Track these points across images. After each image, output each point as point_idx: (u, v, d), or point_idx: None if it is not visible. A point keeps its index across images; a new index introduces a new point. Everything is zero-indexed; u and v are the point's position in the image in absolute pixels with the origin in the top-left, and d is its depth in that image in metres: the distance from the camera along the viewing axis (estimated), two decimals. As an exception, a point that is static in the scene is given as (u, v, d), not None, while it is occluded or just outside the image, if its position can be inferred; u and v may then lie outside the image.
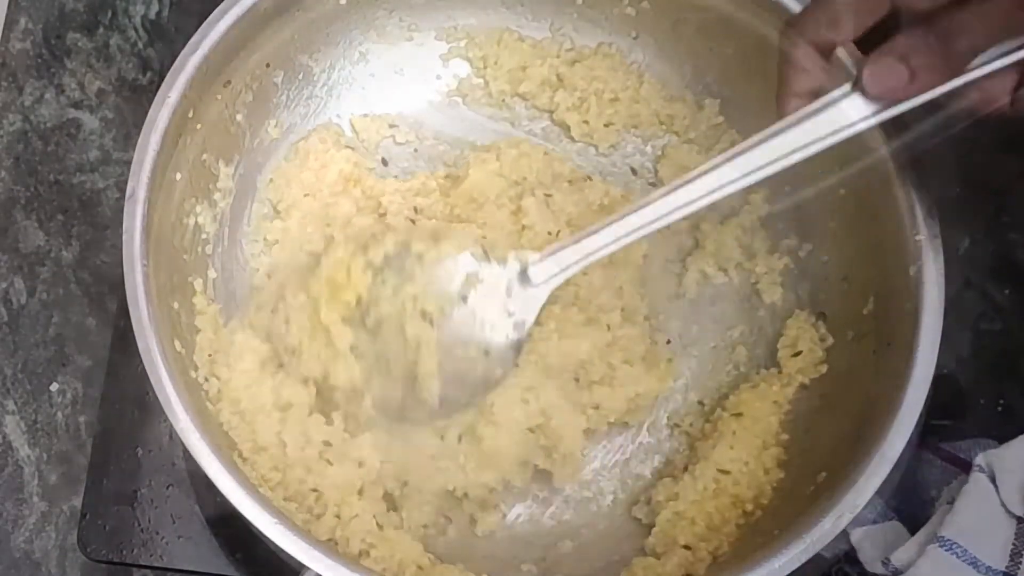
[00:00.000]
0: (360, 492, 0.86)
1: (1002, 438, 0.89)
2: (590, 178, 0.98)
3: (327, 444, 0.87)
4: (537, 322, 0.85)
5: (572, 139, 1.00)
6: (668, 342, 0.96)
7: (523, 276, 0.84)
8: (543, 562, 0.89)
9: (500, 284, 0.84)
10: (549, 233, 0.92)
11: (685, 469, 0.91)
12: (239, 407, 0.87)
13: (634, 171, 0.99)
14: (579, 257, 0.81)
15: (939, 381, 0.83)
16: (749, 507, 0.87)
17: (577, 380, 0.91)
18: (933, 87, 0.71)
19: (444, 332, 0.85)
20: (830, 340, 0.91)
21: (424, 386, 0.85)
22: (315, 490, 0.85)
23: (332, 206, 0.95)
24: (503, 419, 0.87)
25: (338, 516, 0.85)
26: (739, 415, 0.90)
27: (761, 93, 0.91)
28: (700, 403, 0.95)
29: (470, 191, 0.95)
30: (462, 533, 0.89)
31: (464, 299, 0.84)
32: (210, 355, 0.88)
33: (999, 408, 0.97)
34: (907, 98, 0.71)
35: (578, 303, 0.92)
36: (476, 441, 0.87)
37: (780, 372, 0.92)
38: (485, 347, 0.84)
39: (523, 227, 0.93)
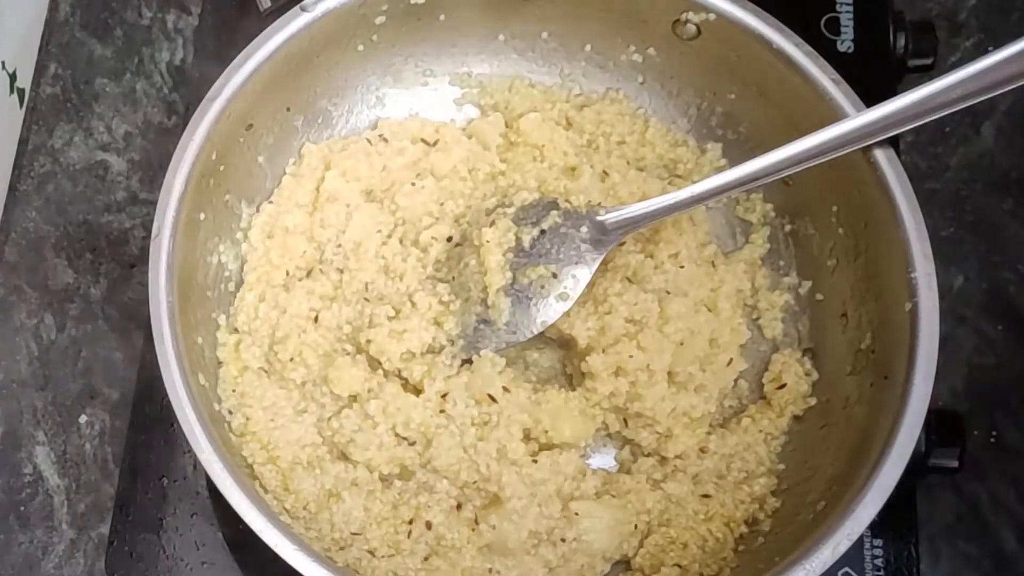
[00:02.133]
0: (380, 520, 0.88)
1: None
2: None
3: (349, 479, 0.89)
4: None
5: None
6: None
7: (597, 223, 0.91)
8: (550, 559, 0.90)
9: (576, 224, 0.92)
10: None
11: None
12: (262, 441, 0.88)
13: None
14: (646, 213, 0.90)
15: (934, 414, 0.86)
16: (744, 530, 0.89)
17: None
18: None
19: (519, 256, 0.91)
20: (816, 375, 0.93)
21: (494, 304, 0.90)
22: (335, 519, 0.87)
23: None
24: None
25: (364, 548, 0.87)
26: (728, 443, 0.92)
27: (762, 137, 0.95)
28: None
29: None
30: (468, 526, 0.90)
31: (543, 232, 0.91)
32: (234, 390, 0.90)
33: (992, 440, 0.99)
34: None
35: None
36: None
37: (770, 404, 0.93)
38: (554, 269, 0.90)
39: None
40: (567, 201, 0.93)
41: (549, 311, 0.91)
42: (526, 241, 0.91)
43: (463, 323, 0.91)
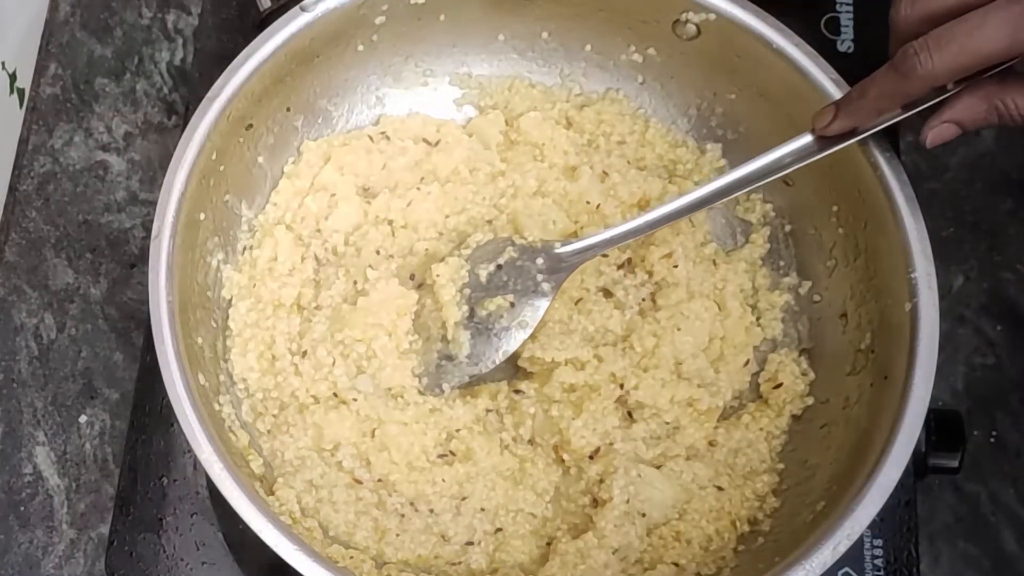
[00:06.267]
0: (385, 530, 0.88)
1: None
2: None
3: (354, 479, 0.89)
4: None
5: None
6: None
7: (553, 255, 0.92)
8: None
9: (531, 256, 0.92)
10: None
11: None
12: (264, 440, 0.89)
13: None
14: (599, 242, 0.91)
15: (934, 414, 0.86)
16: (745, 530, 0.88)
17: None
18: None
19: (476, 291, 0.91)
20: (812, 375, 0.93)
21: (454, 338, 0.90)
22: (336, 517, 0.87)
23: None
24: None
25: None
26: (734, 437, 0.92)
27: (762, 137, 0.95)
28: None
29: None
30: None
31: (499, 266, 0.92)
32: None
33: (992, 440, 1.00)
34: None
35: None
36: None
37: (768, 404, 0.93)
38: (512, 299, 0.91)
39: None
40: (521, 237, 0.94)
41: (510, 340, 0.91)
42: (482, 276, 0.92)
43: (425, 361, 0.92)
